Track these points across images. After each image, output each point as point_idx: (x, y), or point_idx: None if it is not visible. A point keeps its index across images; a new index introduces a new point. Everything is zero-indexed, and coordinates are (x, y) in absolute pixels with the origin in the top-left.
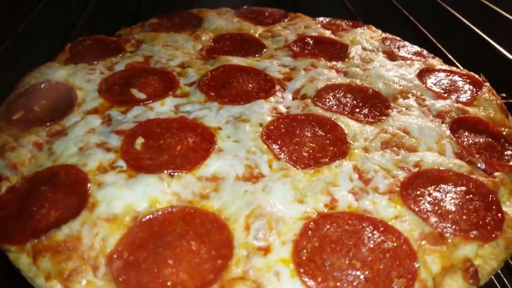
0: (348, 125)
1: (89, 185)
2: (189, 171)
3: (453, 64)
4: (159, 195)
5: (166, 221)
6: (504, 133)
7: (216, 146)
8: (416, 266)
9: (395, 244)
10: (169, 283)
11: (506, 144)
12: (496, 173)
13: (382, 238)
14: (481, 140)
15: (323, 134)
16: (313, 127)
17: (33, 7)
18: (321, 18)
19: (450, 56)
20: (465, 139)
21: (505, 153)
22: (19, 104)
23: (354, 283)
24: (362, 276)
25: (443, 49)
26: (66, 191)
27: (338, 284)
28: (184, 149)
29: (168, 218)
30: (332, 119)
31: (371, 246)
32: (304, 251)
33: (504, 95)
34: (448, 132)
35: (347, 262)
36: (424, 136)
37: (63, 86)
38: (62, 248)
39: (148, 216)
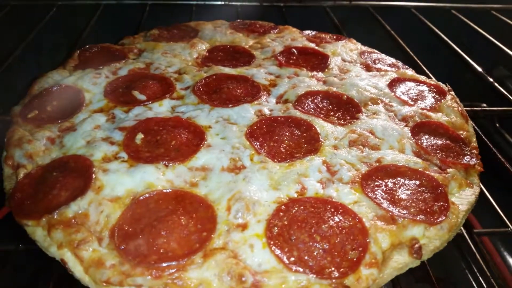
0: (322, 126)
1: (93, 169)
2: (182, 162)
3: (426, 75)
4: (155, 181)
5: (160, 200)
6: (462, 136)
7: (205, 142)
8: (368, 241)
9: (351, 223)
10: (162, 251)
11: (463, 145)
12: (449, 170)
13: (340, 218)
14: (439, 142)
15: (299, 133)
16: (291, 127)
17: (42, 17)
18: (307, 32)
19: (423, 67)
20: (424, 141)
21: (462, 152)
22: (33, 104)
23: (314, 253)
24: (321, 248)
25: (417, 60)
26: (74, 175)
27: (301, 254)
28: (178, 144)
29: (162, 197)
30: (308, 121)
31: (331, 224)
32: (275, 228)
33: (484, 105)
34: (410, 134)
35: (309, 236)
36: (387, 136)
37: (72, 89)
38: (72, 222)
39: (145, 195)
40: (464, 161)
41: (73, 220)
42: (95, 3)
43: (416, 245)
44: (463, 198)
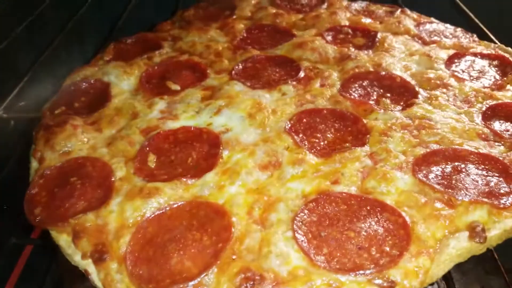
0: (372, 115)
1: (112, 178)
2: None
3: (491, 40)
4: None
5: (173, 215)
6: None
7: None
8: (410, 232)
9: (390, 218)
10: (175, 271)
11: None
12: None
13: (377, 214)
14: None
15: (344, 128)
16: (335, 122)
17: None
18: (357, 4)
19: (487, 32)
20: (497, 125)
21: None
22: (62, 100)
23: (348, 250)
24: (356, 245)
25: (480, 24)
26: (93, 184)
27: (333, 250)
28: (195, 160)
29: (175, 212)
30: (355, 113)
31: (366, 221)
32: (303, 223)
33: None
34: (478, 118)
35: (341, 233)
36: (447, 121)
37: (101, 83)
38: (94, 232)
39: (157, 212)
40: None
41: (95, 229)
42: None
43: (478, 228)
44: None
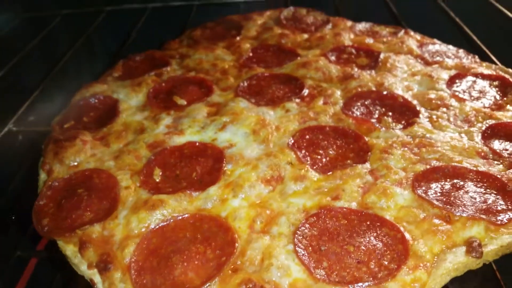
0: (374, 134)
1: (118, 191)
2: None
3: (492, 61)
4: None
5: (177, 227)
6: None
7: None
8: (409, 247)
9: (389, 233)
10: (178, 282)
11: None
12: None
13: (377, 229)
14: None
15: (346, 145)
16: (337, 139)
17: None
18: (361, 25)
19: (489, 53)
20: (497, 144)
21: None
22: (71, 115)
23: (348, 264)
24: (355, 259)
25: (482, 46)
26: (100, 196)
27: (332, 264)
28: (199, 174)
29: (179, 224)
30: (357, 131)
31: (366, 235)
32: (303, 237)
33: None
34: (478, 137)
35: (341, 247)
36: (447, 140)
37: (110, 100)
38: (100, 242)
39: (161, 224)
40: None
41: (101, 239)
42: (142, 7)
43: (475, 243)
44: None
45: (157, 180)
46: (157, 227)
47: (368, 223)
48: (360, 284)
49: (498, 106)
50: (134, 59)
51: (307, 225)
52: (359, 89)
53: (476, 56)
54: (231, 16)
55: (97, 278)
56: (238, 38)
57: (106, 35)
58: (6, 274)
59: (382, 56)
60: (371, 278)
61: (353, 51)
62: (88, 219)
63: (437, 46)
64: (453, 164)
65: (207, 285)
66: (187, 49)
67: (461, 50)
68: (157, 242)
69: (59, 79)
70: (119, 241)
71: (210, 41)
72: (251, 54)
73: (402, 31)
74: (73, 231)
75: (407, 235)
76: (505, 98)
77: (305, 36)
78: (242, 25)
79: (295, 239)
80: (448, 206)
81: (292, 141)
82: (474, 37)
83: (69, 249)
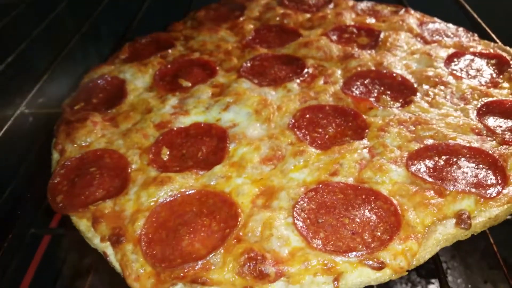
0: (372, 112)
1: (129, 169)
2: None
3: (492, 39)
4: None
5: (184, 202)
6: None
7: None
8: (400, 219)
9: (383, 206)
10: (186, 252)
11: None
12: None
13: (371, 202)
14: (510, 123)
15: (345, 123)
16: (337, 117)
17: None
18: (363, 4)
19: (489, 31)
20: (491, 121)
21: None
22: (81, 96)
23: (343, 235)
24: (350, 230)
25: (482, 23)
26: (111, 174)
27: (329, 235)
28: (205, 154)
29: (186, 199)
30: (356, 109)
31: (360, 208)
32: (302, 210)
33: None
34: (473, 114)
35: (337, 220)
36: (443, 117)
37: (118, 80)
38: (112, 217)
39: (169, 198)
40: None
41: (113, 214)
42: None
43: (464, 215)
44: None
45: (165, 159)
46: (166, 201)
47: (363, 196)
48: (354, 253)
49: (494, 84)
50: (140, 42)
51: (306, 199)
52: (359, 69)
53: (476, 35)
54: None
55: (109, 251)
56: (241, 19)
57: (111, 18)
58: (21, 251)
59: (382, 35)
60: (364, 248)
61: (354, 30)
62: (100, 195)
63: (437, 24)
64: (447, 141)
65: (212, 254)
66: (191, 31)
67: (460, 29)
68: (165, 216)
69: (67, 62)
70: (129, 215)
71: (214, 22)
72: (254, 35)
73: (403, 10)
74: (86, 207)
75: (399, 208)
76: (501, 76)
77: (307, 16)
78: (245, 6)
79: (294, 213)
80: (439, 182)
81: (293, 121)
82: (475, 15)
83: (83, 224)
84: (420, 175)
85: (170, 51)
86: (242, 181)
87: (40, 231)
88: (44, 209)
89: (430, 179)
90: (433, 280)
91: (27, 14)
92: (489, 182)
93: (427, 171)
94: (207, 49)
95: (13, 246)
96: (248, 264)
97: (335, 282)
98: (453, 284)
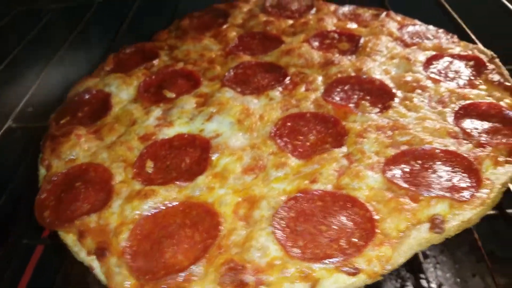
0: (351, 118)
1: (113, 183)
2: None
3: (471, 41)
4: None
5: (168, 214)
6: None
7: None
8: (375, 226)
9: (359, 213)
10: (169, 264)
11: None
12: (486, 149)
13: (348, 209)
14: (486, 125)
15: (325, 130)
16: (318, 124)
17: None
18: (344, 8)
19: (469, 32)
20: (468, 124)
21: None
22: (67, 110)
23: (320, 242)
24: (327, 237)
25: (463, 25)
26: (96, 188)
27: (307, 243)
28: (188, 165)
29: (169, 211)
30: (336, 116)
31: (338, 215)
32: (282, 219)
33: None
34: (450, 118)
35: (315, 227)
36: (421, 121)
37: (102, 94)
38: (97, 231)
39: (153, 211)
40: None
41: (98, 228)
42: None
43: (437, 220)
44: (499, 174)
45: (150, 171)
46: (150, 214)
47: (341, 203)
48: (330, 259)
49: (472, 86)
50: (124, 52)
51: (285, 208)
52: (339, 75)
53: (455, 36)
54: (218, 4)
55: (95, 264)
56: (224, 26)
57: (99, 27)
58: (15, 261)
59: (362, 40)
60: (341, 254)
61: (336, 36)
62: (85, 210)
63: (417, 27)
64: (422, 146)
65: (195, 266)
66: (175, 40)
67: (440, 30)
68: (149, 228)
69: (56, 73)
70: (114, 228)
71: (198, 30)
72: (237, 42)
73: (384, 13)
74: (72, 222)
75: (375, 214)
76: (478, 78)
77: (290, 22)
78: (229, 13)
79: (274, 222)
80: (414, 187)
81: (275, 129)
82: (455, 15)
83: (69, 238)
84: (396, 181)
85: (155, 61)
86: (224, 191)
87: (33, 241)
88: (36, 221)
89: (404, 185)
90: (422, 276)
91: (15, 25)
92: (463, 185)
93: (403, 177)
94: (191, 58)
95: (6, 256)
96: (229, 274)
97: None
98: (442, 278)
